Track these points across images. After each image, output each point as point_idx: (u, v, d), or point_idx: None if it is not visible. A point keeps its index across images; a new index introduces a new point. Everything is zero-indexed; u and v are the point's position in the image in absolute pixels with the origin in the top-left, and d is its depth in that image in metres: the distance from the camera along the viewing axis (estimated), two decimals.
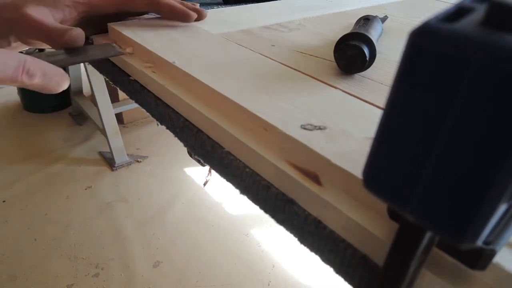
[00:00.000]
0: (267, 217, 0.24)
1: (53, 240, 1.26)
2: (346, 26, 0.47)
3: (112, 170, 1.60)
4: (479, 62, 0.10)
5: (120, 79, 0.39)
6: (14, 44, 0.37)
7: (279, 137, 0.23)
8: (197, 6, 0.42)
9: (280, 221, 0.23)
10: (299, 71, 0.32)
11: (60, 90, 0.32)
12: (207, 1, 0.71)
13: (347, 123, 0.24)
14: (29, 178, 1.53)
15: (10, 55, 0.28)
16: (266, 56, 0.36)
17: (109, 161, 1.63)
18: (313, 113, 0.25)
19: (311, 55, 0.37)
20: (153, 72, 0.34)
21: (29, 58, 0.29)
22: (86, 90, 1.78)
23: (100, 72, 0.44)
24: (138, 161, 1.66)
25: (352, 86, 0.31)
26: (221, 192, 1.49)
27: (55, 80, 0.31)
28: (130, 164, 1.63)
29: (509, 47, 0.10)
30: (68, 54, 0.34)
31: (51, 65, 0.31)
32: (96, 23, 0.41)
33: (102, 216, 1.37)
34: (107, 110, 1.51)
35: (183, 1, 0.42)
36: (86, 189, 1.50)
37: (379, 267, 0.18)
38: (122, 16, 0.43)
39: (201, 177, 1.58)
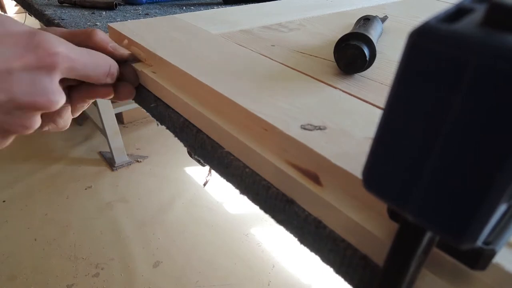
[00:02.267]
0: (267, 217, 0.24)
1: (53, 240, 1.26)
2: (346, 26, 0.47)
3: (112, 170, 1.60)
4: (479, 62, 0.10)
5: None
6: None
7: (279, 137, 0.23)
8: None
9: (280, 221, 0.23)
10: (299, 71, 0.32)
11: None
12: (207, 1, 0.71)
13: (347, 123, 0.24)
14: (29, 178, 1.53)
15: (102, 58, 0.31)
16: (266, 56, 0.36)
17: (109, 161, 1.63)
18: (313, 113, 0.25)
19: (311, 55, 0.37)
20: (153, 72, 0.34)
21: (113, 62, 0.32)
22: None
23: None
24: (138, 161, 1.66)
25: (352, 86, 0.31)
26: (221, 192, 1.49)
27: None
28: (130, 164, 1.63)
29: (509, 47, 0.10)
30: None
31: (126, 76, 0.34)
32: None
33: (102, 216, 1.37)
34: (107, 110, 1.51)
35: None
36: (86, 189, 1.50)
37: (379, 267, 0.18)
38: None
39: (201, 177, 1.58)
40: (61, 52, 0.26)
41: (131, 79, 0.35)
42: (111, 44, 0.33)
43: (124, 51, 0.34)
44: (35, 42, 0.25)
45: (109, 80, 0.32)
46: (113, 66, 0.32)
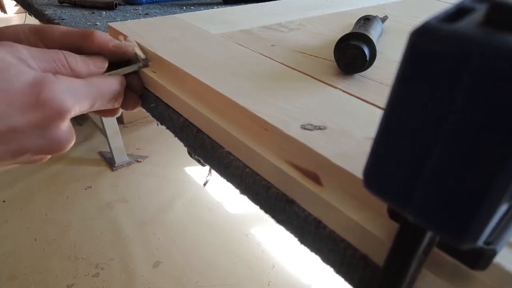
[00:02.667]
0: (267, 217, 0.24)
1: (53, 240, 1.26)
2: (346, 26, 0.47)
3: (112, 170, 1.60)
4: (480, 62, 0.10)
5: None
6: None
7: (279, 137, 0.23)
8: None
9: (280, 221, 0.23)
10: (299, 71, 0.32)
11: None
12: (207, 1, 0.71)
13: (347, 123, 0.24)
14: (29, 178, 1.53)
15: (106, 86, 0.30)
16: (266, 56, 0.36)
17: (109, 161, 1.63)
18: (313, 113, 0.25)
19: (311, 55, 0.37)
20: (153, 72, 0.34)
21: (116, 86, 0.31)
22: None
23: None
24: (138, 161, 1.66)
25: (352, 86, 0.31)
26: (221, 192, 1.49)
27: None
28: (130, 164, 1.63)
29: (509, 47, 0.10)
30: None
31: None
32: None
33: (102, 216, 1.37)
34: None
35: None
36: (86, 189, 1.50)
37: (379, 267, 0.18)
38: None
39: (201, 177, 1.58)
40: (69, 106, 0.26)
41: (134, 86, 0.34)
42: (113, 43, 0.32)
43: (127, 48, 0.33)
44: (41, 100, 0.24)
45: (116, 105, 0.32)
46: (117, 90, 0.31)
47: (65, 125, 0.27)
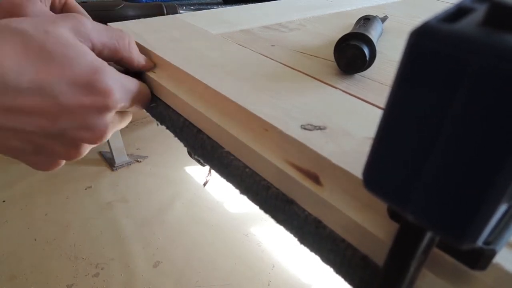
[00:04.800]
0: (267, 217, 0.24)
1: (53, 240, 1.26)
2: (346, 26, 0.47)
3: (112, 170, 1.60)
4: (480, 62, 0.10)
5: None
6: None
7: (279, 137, 0.23)
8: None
9: (280, 221, 0.23)
10: (299, 71, 0.32)
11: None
12: (207, 1, 0.71)
13: (347, 123, 0.24)
14: (29, 178, 1.53)
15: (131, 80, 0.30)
16: (266, 56, 0.36)
17: (109, 161, 1.63)
18: (313, 113, 0.25)
19: (311, 55, 0.37)
20: (153, 72, 0.34)
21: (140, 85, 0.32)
22: None
23: None
24: (138, 161, 1.65)
25: (352, 86, 0.31)
26: (221, 192, 1.49)
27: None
28: (130, 164, 1.63)
29: (509, 47, 0.10)
30: None
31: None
32: None
33: (102, 216, 1.37)
34: None
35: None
36: (86, 189, 1.50)
37: (379, 267, 0.18)
38: None
39: (201, 177, 1.58)
40: (118, 99, 0.27)
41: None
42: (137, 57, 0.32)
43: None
44: (96, 87, 0.25)
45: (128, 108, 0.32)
46: (147, 96, 0.33)
47: (109, 117, 0.27)
